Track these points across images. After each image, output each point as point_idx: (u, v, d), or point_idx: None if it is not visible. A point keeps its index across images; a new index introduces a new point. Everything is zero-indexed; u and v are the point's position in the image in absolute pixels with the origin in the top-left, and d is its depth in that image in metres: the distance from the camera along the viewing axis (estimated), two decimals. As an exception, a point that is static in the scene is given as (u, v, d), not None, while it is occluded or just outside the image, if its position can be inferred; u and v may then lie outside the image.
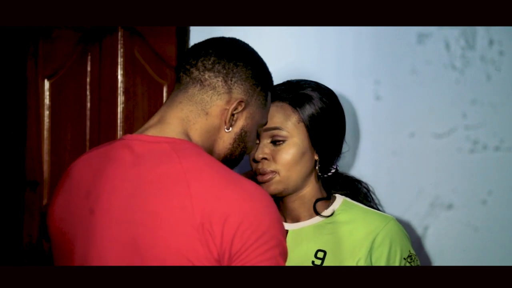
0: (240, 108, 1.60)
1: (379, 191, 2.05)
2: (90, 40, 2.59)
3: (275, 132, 1.81)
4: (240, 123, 1.63)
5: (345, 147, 1.93)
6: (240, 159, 1.68)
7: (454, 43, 2.15)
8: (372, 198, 1.97)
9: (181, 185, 1.45)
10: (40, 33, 2.63)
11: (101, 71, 2.59)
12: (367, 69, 2.21)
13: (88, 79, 2.62)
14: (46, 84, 2.65)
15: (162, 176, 1.48)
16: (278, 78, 1.88)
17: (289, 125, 1.81)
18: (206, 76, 1.59)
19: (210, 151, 1.61)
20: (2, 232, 2.59)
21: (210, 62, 1.60)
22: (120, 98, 2.56)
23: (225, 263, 1.43)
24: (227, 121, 1.60)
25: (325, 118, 1.82)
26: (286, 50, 2.25)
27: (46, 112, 2.64)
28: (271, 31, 2.24)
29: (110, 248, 1.48)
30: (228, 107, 1.59)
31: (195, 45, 1.66)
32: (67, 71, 2.63)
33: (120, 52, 2.56)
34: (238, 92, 1.60)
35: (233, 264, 1.43)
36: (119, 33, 2.55)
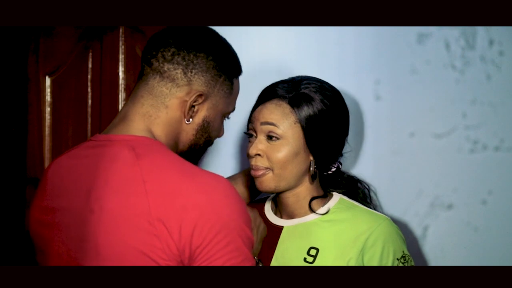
0: (200, 100, 1.59)
1: (379, 191, 2.05)
2: (91, 36, 2.59)
3: (271, 128, 1.80)
4: (201, 114, 1.62)
5: (347, 148, 1.93)
6: (205, 149, 1.67)
7: (454, 43, 2.14)
8: (372, 199, 1.97)
9: (137, 183, 1.46)
10: (41, 30, 2.63)
11: (102, 68, 2.59)
12: (367, 69, 2.20)
13: (89, 76, 2.61)
14: (47, 80, 2.65)
15: (119, 175, 1.48)
16: (278, 78, 1.89)
17: (286, 124, 1.80)
18: (166, 68, 1.58)
19: (175, 143, 1.60)
20: (3, 228, 2.60)
21: (169, 54, 1.58)
22: (121, 95, 2.56)
23: (185, 258, 1.43)
24: (186, 113, 1.59)
25: (324, 120, 1.81)
26: (286, 50, 2.25)
27: (47, 109, 2.64)
28: (271, 31, 2.23)
29: (80, 248, 1.50)
30: (187, 99, 1.58)
31: (156, 34, 1.64)
32: (68, 68, 2.63)
33: (121, 49, 2.55)
34: (199, 84, 1.59)
35: (197, 260, 1.42)
36: (120, 30, 2.55)
